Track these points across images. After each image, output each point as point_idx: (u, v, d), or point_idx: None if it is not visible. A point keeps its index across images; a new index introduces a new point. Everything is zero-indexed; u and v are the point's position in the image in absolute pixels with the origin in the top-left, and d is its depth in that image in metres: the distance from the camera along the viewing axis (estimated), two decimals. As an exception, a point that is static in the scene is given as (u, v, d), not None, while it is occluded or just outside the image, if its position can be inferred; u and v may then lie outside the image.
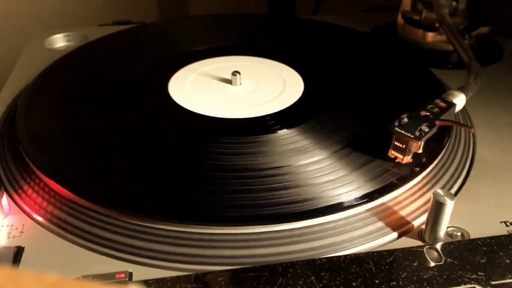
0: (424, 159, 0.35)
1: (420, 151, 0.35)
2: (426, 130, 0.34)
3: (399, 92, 0.45)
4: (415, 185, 0.35)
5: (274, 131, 0.39)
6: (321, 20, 0.61)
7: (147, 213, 0.31)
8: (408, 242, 0.31)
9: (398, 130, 0.34)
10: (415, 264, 0.28)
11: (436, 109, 0.36)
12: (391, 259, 0.29)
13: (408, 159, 0.35)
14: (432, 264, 0.28)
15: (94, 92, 0.45)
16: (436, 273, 0.28)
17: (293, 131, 0.39)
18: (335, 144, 0.37)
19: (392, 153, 0.35)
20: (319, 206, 0.32)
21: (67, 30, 0.61)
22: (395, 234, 0.32)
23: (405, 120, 0.35)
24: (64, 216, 0.33)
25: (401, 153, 0.35)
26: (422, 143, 0.34)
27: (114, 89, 0.45)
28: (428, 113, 0.36)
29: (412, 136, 0.34)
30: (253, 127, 0.39)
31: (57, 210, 0.33)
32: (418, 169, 0.35)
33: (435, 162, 0.36)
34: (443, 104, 0.37)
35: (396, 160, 0.35)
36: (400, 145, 0.34)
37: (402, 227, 0.32)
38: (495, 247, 0.30)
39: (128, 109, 0.42)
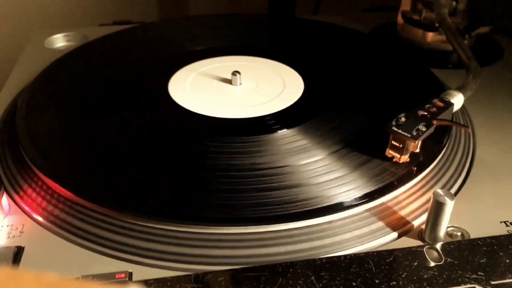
0: (423, 159, 0.35)
1: (417, 150, 0.35)
2: (423, 129, 0.34)
3: (399, 92, 0.45)
4: (415, 185, 0.35)
5: (274, 131, 0.39)
6: (321, 20, 0.61)
7: (147, 213, 0.31)
8: (408, 242, 0.31)
9: (395, 129, 0.34)
10: (415, 264, 0.28)
11: (434, 109, 0.36)
12: (391, 259, 0.29)
13: (405, 158, 0.35)
14: (432, 264, 0.28)
15: (94, 92, 0.45)
16: (436, 273, 0.28)
17: (293, 131, 0.39)
18: (335, 143, 0.37)
19: (390, 152, 0.35)
20: (319, 206, 0.32)
21: (67, 30, 0.61)
22: (395, 234, 0.32)
23: (403, 119, 0.35)
24: (64, 216, 0.33)
25: (398, 153, 0.35)
26: (419, 142, 0.34)
27: (114, 89, 0.45)
28: (426, 113, 0.36)
29: (409, 136, 0.34)
30: (253, 127, 0.39)
31: (57, 210, 0.33)
32: (418, 169, 0.35)
33: (435, 162, 0.36)
34: (440, 104, 0.37)
35: (394, 160, 0.35)
36: (397, 145, 0.34)
37: (402, 227, 0.32)
38: (495, 247, 0.30)
39: (128, 109, 0.42)
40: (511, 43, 0.58)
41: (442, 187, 0.35)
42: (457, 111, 0.40)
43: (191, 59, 0.50)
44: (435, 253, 0.29)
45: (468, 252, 0.29)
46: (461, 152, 0.39)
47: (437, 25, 0.53)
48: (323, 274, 0.28)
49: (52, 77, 0.47)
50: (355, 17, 0.65)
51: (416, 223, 0.33)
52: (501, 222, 0.33)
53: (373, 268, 0.28)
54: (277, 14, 0.81)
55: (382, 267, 0.28)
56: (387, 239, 0.32)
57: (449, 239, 0.31)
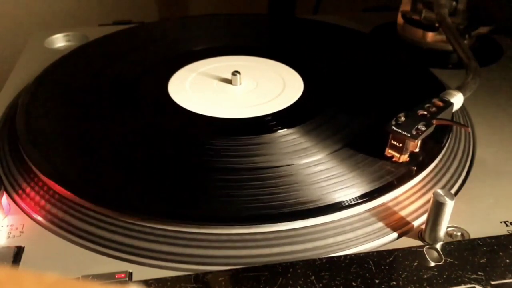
0: (423, 159, 0.35)
1: (417, 150, 0.35)
2: (423, 129, 0.34)
3: (399, 92, 0.45)
4: (415, 185, 0.35)
5: (274, 131, 0.39)
6: (321, 20, 0.61)
7: (147, 213, 0.31)
8: (408, 242, 0.31)
9: (394, 128, 0.34)
10: (415, 264, 0.28)
11: (434, 108, 0.36)
12: (391, 259, 0.29)
13: (404, 158, 0.35)
14: (432, 264, 0.28)
15: (94, 92, 0.45)
16: (436, 273, 0.28)
17: (293, 131, 0.39)
18: (335, 143, 0.37)
19: (389, 151, 0.35)
20: (319, 206, 0.32)
21: (67, 30, 0.61)
22: (395, 234, 0.32)
23: (402, 119, 0.35)
24: (64, 216, 0.33)
25: (398, 152, 0.35)
26: (419, 142, 0.34)
27: (114, 89, 0.45)
28: (425, 112, 0.36)
29: (409, 135, 0.34)
30: (253, 127, 0.39)
31: (57, 210, 0.33)
32: (419, 169, 0.35)
33: (435, 162, 0.36)
34: (440, 103, 0.37)
35: (393, 159, 0.35)
36: (397, 144, 0.34)
37: (402, 227, 0.32)
38: (495, 247, 0.30)
39: (128, 109, 0.42)
40: (511, 43, 0.58)
41: (442, 187, 0.35)
42: (457, 111, 0.40)
43: (191, 59, 0.50)
44: (435, 253, 0.29)
45: (468, 252, 0.29)
46: (461, 152, 0.39)
47: (437, 25, 0.53)
48: (323, 274, 0.28)
49: (52, 77, 0.47)
50: (355, 17, 0.65)
51: (416, 223, 0.33)
52: (501, 222, 0.33)
53: (373, 268, 0.28)
54: (277, 14, 0.81)
55: (382, 267, 0.28)
56: (387, 239, 0.32)
57: (449, 239, 0.31)
